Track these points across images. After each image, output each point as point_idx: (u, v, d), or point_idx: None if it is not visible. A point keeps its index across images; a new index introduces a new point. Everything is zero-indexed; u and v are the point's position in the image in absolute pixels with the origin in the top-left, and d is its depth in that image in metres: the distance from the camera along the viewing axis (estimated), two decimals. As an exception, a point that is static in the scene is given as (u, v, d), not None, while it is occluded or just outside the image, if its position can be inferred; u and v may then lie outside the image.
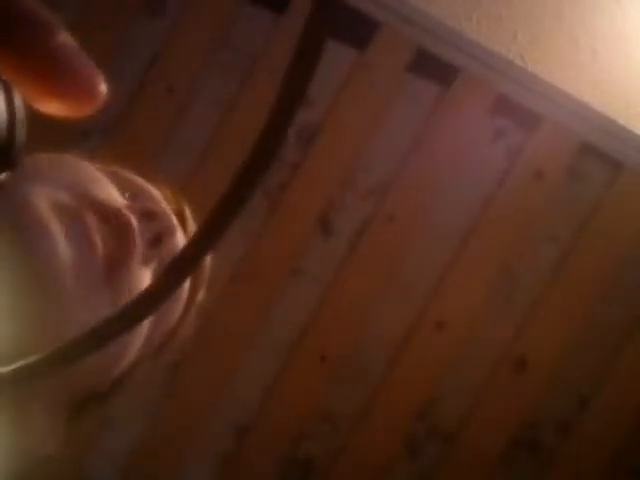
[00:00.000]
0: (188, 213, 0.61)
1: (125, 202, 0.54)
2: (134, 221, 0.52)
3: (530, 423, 1.73)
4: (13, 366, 0.21)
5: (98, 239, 0.49)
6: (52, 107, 0.21)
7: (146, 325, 0.54)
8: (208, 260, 0.62)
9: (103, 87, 0.21)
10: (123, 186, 0.56)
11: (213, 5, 1.61)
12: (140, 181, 0.59)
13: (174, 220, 0.57)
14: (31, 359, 0.20)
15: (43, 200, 0.49)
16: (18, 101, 0.22)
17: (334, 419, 1.70)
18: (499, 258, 1.70)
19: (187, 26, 1.60)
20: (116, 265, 0.50)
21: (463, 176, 1.68)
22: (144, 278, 0.53)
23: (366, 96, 1.65)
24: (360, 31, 1.63)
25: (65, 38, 0.21)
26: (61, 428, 0.56)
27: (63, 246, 0.47)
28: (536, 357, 1.72)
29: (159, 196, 0.59)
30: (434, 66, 1.65)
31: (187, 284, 0.58)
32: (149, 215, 0.53)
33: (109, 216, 0.50)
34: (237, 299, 1.61)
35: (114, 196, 0.54)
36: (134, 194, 0.56)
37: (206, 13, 1.61)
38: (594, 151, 1.69)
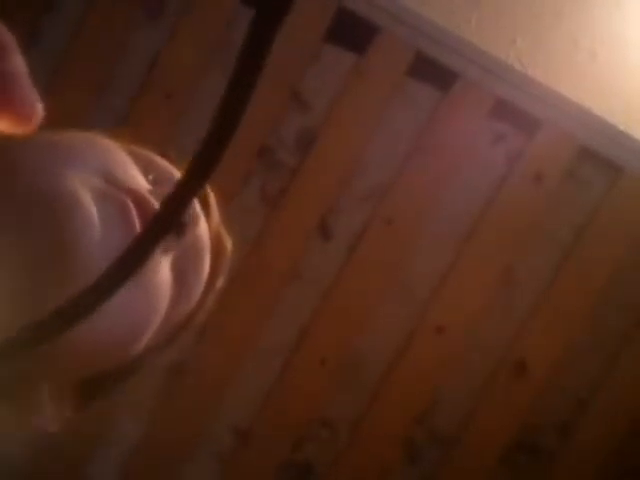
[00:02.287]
0: (212, 199, 0.60)
1: (149, 188, 0.54)
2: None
3: (530, 426, 1.73)
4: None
5: (137, 221, 0.49)
6: None
7: (162, 308, 0.53)
8: (229, 248, 0.61)
9: (39, 109, 0.24)
10: (146, 168, 0.56)
11: (213, 6, 1.61)
12: (165, 164, 0.58)
13: (197, 208, 0.55)
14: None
15: (77, 183, 0.49)
16: None
17: (334, 423, 1.70)
18: (498, 262, 1.70)
19: (186, 30, 1.60)
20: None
21: (462, 180, 1.68)
22: (163, 268, 0.52)
23: (365, 100, 1.65)
24: (359, 35, 1.63)
25: (13, 61, 0.23)
26: (66, 409, 0.56)
27: (96, 221, 0.48)
28: (535, 360, 1.72)
29: None
30: (433, 70, 1.65)
31: (207, 270, 0.57)
32: None
33: (136, 202, 0.50)
34: (237, 303, 1.61)
35: (139, 181, 0.54)
36: (158, 178, 0.56)
37: (206, 14, 1.61)
38: (593, 155, 1.69)
